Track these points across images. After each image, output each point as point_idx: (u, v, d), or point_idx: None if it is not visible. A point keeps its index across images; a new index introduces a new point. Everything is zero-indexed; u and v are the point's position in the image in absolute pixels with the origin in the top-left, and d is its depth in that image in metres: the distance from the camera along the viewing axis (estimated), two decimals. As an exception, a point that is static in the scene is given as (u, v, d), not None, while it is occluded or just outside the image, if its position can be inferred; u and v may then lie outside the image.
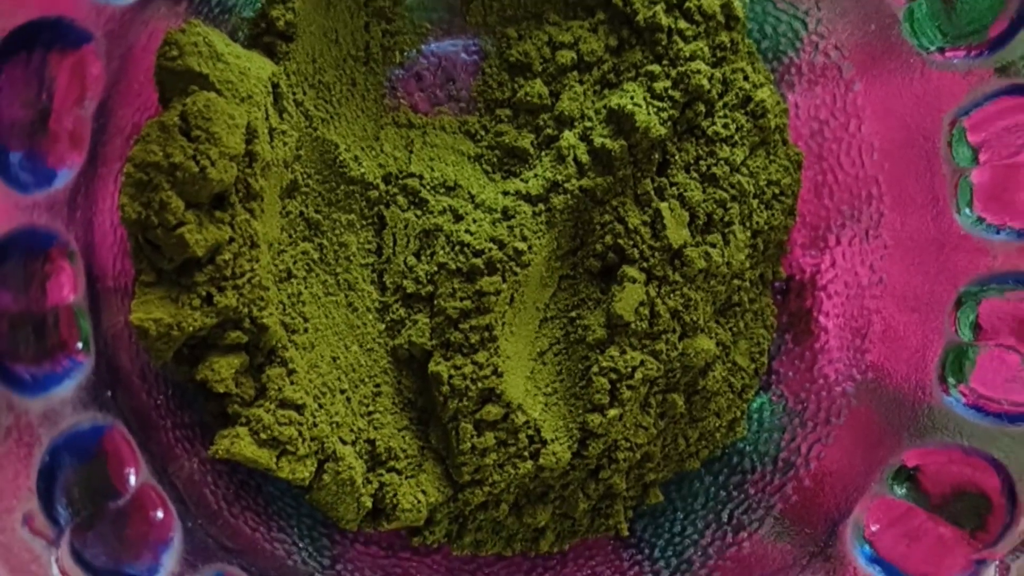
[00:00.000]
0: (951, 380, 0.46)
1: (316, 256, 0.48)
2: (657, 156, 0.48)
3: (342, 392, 0.47)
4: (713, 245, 0.48)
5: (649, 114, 0.47)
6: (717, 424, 0.51)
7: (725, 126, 0.48)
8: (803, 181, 0.52)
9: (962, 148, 0.46)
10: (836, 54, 0.49)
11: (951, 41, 0.45)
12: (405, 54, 0.51)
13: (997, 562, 0.42)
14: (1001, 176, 0.45)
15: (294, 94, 0.46)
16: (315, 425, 0.45)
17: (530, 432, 0.47)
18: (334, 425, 0.46)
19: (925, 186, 0.47)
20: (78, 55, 0.39)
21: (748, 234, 0.49)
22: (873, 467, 0.47)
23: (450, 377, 0.47)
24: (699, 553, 0.50)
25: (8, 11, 0.36)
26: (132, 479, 0.42)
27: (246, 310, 0.43)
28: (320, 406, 0.46)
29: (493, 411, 0.47)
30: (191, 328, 0.41)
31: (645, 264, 0.47)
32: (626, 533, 0.51)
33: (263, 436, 0.43)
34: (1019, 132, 0.44)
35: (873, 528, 0.46)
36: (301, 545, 0.48)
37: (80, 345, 0.41)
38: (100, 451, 0.41)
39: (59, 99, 0.39)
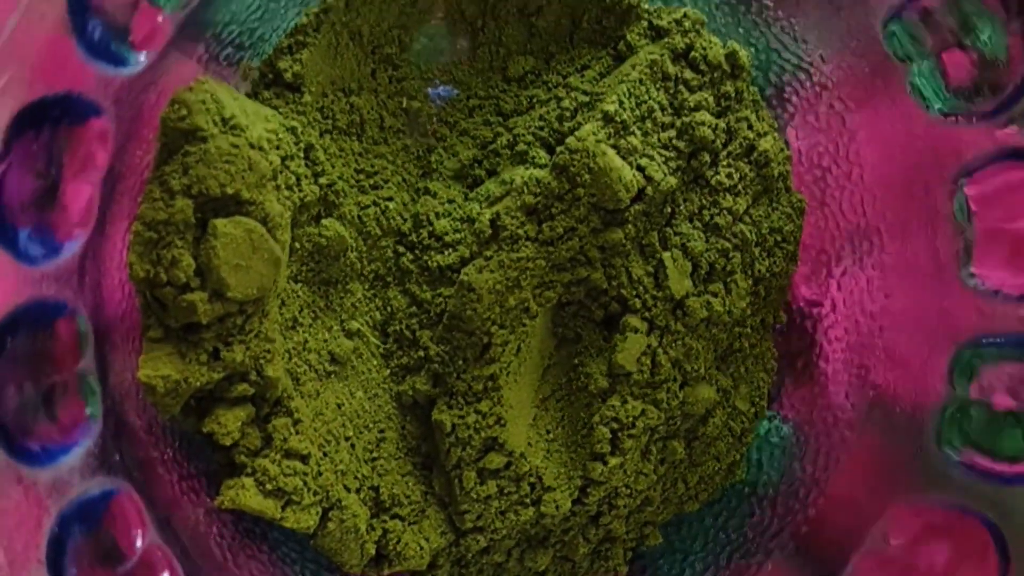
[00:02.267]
0: (950, 439, 0.45)
1: (322, 304, 0.48)
2: (668, 209, 0.48)
3: (347, 439, 0.47)
4: (715, 295, 0.48)
5: (660, 167, 0.47)
6: (717, 467, 0.52)
7: (729, 176, 0.49)
8: (805, 224, 0.52)
9: (963, 206, 0.45)
10: (840, 104, 0.49)
11: (953, 102, 0.45)
12: (411, 99, 0.51)
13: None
14: (999, 239, 0.45)
15: (301, 144, 0.46)
16: (320, 474, 0.45)
17: (532, 480, 0.47)
18: (339, 473, 0.46)
19: (927, 240, 0.47)
20: (86, 128, 0.40)
21: (750, 282, 0.49)
22: (874, 513, 0.47)
23: (453, 426, 0.47)
24: (698, 594, 0.50)
25: (17, 90, 0.36)
26: (139, 542, 0.42)
27: (253, 364, 0.43)
28: (325, 454, 0.46)
29: (496, 460, 0.47)
30: (198, 383, 0.42)
31: (647, 314, 0.47)
32: (624, 574, 0.52)
33: (269, 487, 0.43)
34: (1019, 196, 0.44)
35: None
36: (306, 590, 0.48)
37: (89, 411, 0.41)
38: (108, 516, 0.41)
39: (68, 173, 0.39)
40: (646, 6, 0.50)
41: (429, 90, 0.51)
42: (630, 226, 0.47)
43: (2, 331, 0.38)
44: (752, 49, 0.50)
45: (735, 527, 0.52)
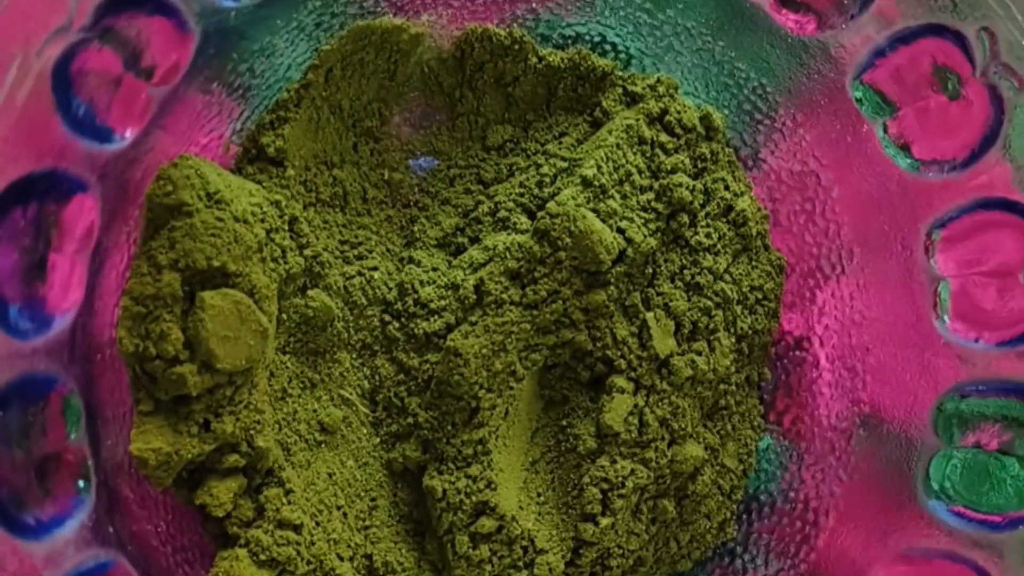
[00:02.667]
0: (934, 487, 0.46)
1: (311, 374, 0.48)
2: (649, 270, 0.48)
3: (339, 508, 0.47)
4: (699, 353, 0.48)
5: (639, 229, 0.47)
6: (708, 526, 0.51)
7: (708, 235, 0.49)
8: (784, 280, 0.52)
9: (937, 258, 0.46)
10: (814, 162, 0.50)
11: (923, 159, 0.46)
12: (393, 170, 0.51)
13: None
14: (974, 289, 0.45)
15: (286, 217, 0.46)
16: (313, 543, 0.45)
17: (524, 543, 0.47)
18: (332, 542, 0.46)
19: (904, 293, 0.48)
20: (73, 203, 0.40)
21: (733, 339, 0.50)
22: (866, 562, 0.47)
23: (444, 491, 0.47)
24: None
25: (3, 167, 0.37)
26: (134, 613, 0.42)
27: (243, 435, 0.43)
28: (318, 524, 0.45)
29: (487, 523, 0.47)
30: (190, 455, 0.41)
31: (633, 374, 0.47)
32: None
33: (262, 557, 0.43)
34: (992, 246, 0.45)
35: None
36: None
37: (82, 484, 0.41)
38: (104, 590, 0.41)
39: (55, 248, 0.40)
40: (620, 73, 0.50)
41: (410, 161, 0.52)
42: (612, 288, 0.47)
43: (-5, 406, 0.38)
44: (726, 111, 0.51)
45: (729, 586, 0.51)
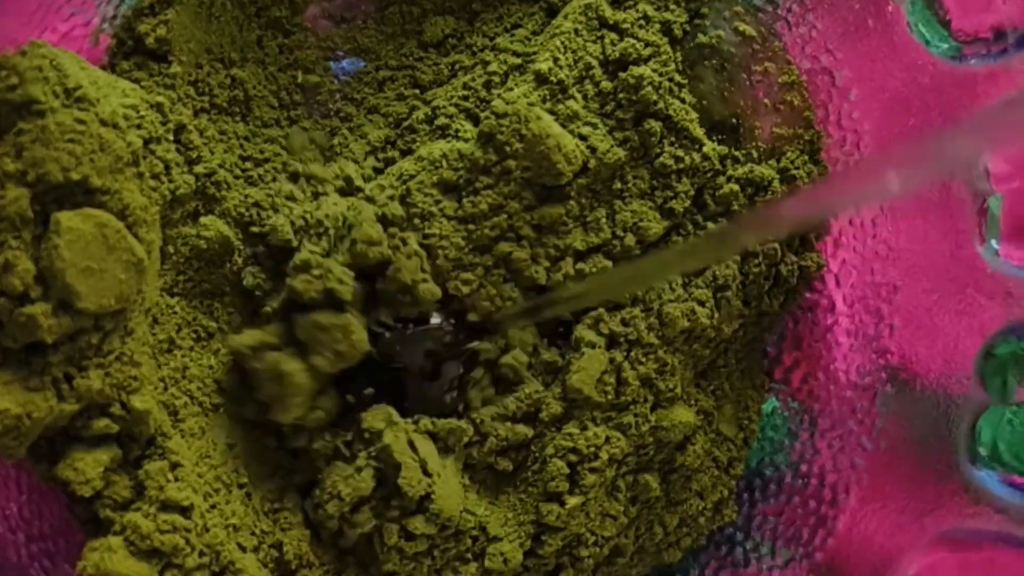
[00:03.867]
0: (981, 453, 0.42)
1: (206, 322, 0.45)
2: (617, 185, 0.44)
3: (240, 487, 0.43)
4: (702, 303, 0.44)
5: (604, 137, 0.43)
6: (701, 507, 0.48)
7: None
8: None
9: (984, 166, 0.42)
10: (827, 57, 0.46)
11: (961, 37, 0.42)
12: (308, 72, 0.48)
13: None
14: None
15: (170, 124, 0.43)
16: (207, 530, 0.41)
17: (473, 529, 0.44)
18: (230, 528, 0.42)
19: (941, 215, 0.44)
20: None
21: (740, 293, 0.46)
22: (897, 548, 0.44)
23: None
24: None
25: None
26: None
27: (115, 394, 0.40)
28: (213, 506, 0.42)
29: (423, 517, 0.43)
30: (45, 418, 0.38)
31: (609, 325, 0.44)
32: None
33: (142, 546, 0.39)
34: None
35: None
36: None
37: None
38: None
39: None
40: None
41: (331, 63, 0.48)
42: (572, 203, 0.44)
43: None
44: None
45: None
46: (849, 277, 0.47)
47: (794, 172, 0.45)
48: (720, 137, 0.45)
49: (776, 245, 0.46)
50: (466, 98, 0.46)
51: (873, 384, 0.46)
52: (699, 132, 0.45)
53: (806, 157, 0.46)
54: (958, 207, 0.43)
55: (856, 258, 0.47)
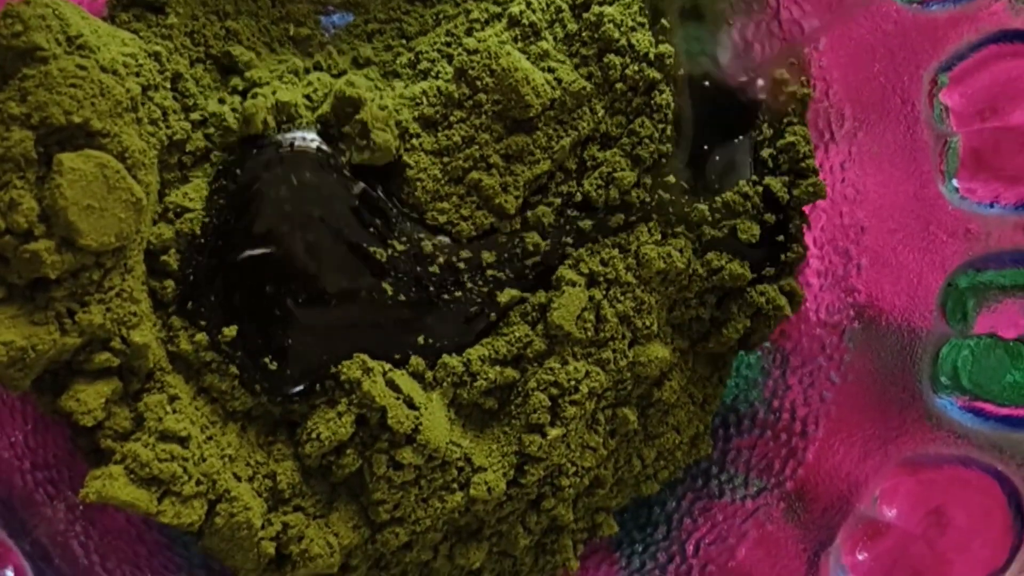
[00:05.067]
0: (943, 381, 0.42)
1: None
2: (585, 123, 0.44)
3: (236, 420, 0.43)
4: (681, 251, 0.44)
5: (570, 71, 0.43)
6: (677, 441, 0.48)
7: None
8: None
9: (944, 109, 0.42)
10: (795, 7, 0.45)
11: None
12: (299, 25, 0.47)
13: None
14: (991, 141, 0.41)
15: (167, 73, 0.43)
16: (203, 459, 0.41)
17: (458, 460, 0.43)
18: (226, 459, 0.42)
19: (905, 158, 0.44)
20: None
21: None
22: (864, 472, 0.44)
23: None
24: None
25: None
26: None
27: (115, 328, 0.40)
28: (209, 438, 0.42)
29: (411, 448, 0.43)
30: (50, 352, 0.38)
31: (588, 264, 0.44)
32: (576, 570, 0.48)
33: (141, 474, 0.40)
34: (1011, 86, 0.40)
35: (859, 556, 0.42)
36: (193, 603, 0.45)
37: None
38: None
39: None
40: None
41: (321, 17, 0.47)
42: (540, 133, 0.43)
43: None
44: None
45: (702, 511, 0.49)
46: (819, 220, 0.47)
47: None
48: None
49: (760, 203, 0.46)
50: (448, 44, 0.46)
51: (841, 322, 0.46)
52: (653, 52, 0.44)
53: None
54: (922, 149, 0.43)
55: (825, 201, 0.46)
